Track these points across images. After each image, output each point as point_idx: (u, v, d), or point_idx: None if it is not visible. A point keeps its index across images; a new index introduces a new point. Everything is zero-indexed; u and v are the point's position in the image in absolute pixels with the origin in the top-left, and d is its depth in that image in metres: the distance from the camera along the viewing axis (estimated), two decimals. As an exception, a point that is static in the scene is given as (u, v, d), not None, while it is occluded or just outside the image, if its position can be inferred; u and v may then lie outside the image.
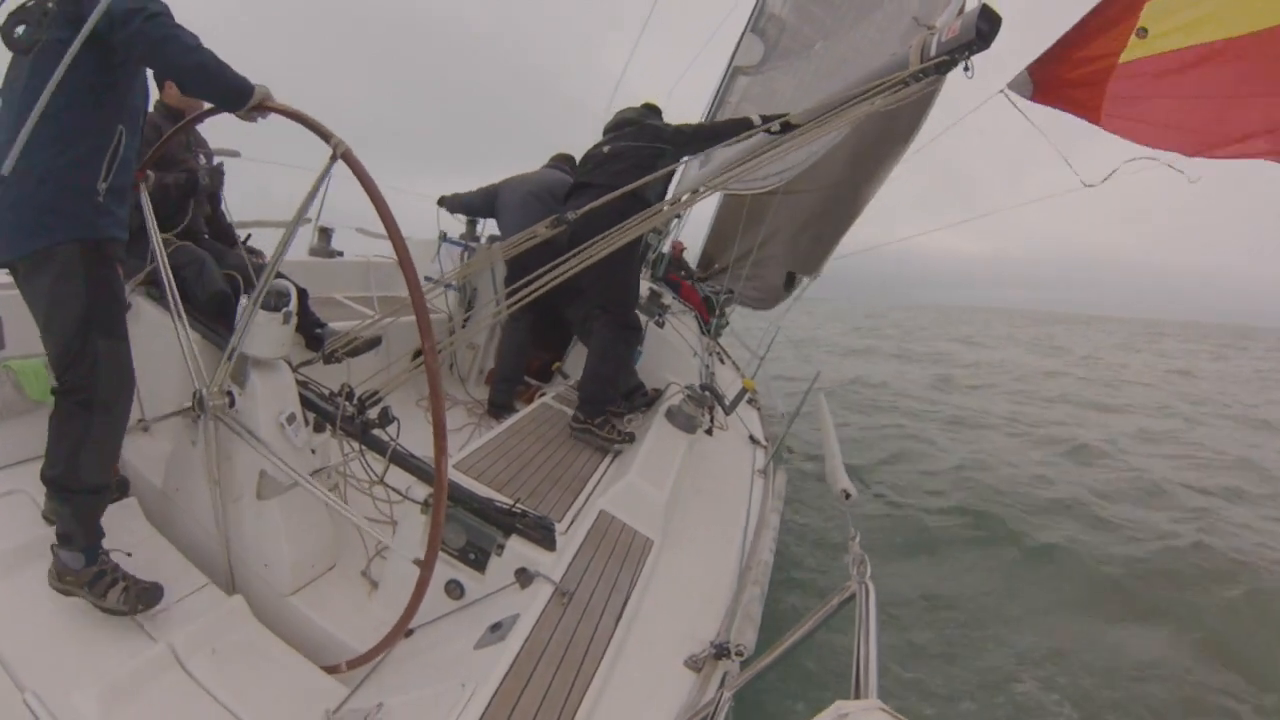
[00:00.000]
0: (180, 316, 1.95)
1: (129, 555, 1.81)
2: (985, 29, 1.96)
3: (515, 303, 2.38)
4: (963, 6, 2.40)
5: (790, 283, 5.94)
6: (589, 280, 2.83)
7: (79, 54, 1.45)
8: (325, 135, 1.62)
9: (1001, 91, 2.11)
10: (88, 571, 1.66)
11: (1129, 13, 1.76)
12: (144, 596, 1.70)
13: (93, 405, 1.63)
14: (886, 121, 3.22)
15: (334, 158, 1.62)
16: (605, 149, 3.19)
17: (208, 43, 1.58)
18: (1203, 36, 1.69)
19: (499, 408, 3.75)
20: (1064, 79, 1.99)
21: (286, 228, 1.87)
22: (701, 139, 3.21)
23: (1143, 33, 1.76)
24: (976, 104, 2.24)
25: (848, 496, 2.16)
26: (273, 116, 1.70)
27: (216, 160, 2.75)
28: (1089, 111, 1.95)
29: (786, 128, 2.81)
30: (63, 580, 1.66)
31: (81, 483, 1.65)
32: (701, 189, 3.16)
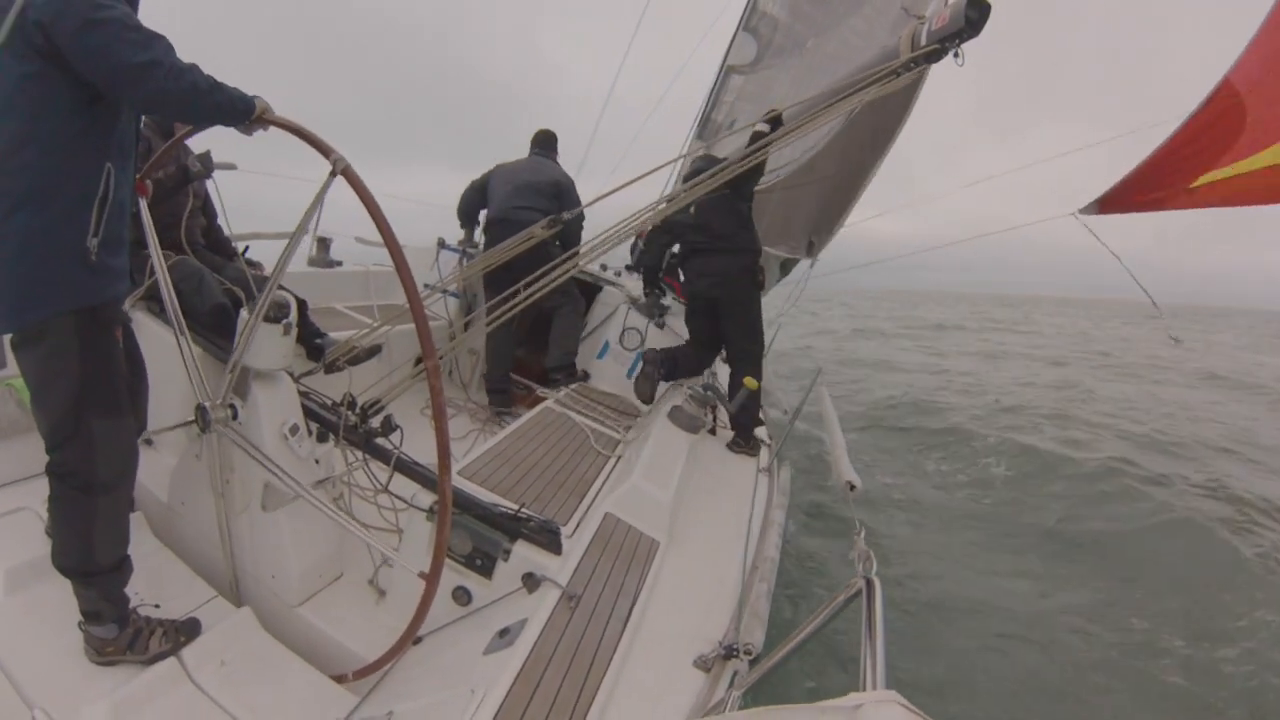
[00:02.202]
0: (183, 332, 1.95)
1: (157, 606, 1.77)
2: (974, 17, 1.97)
3: (505, 312, 2.44)
4: None
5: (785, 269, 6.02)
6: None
7: (54, 96, 1.30)
8: (325, 151, 1.57)
9: (1074, 215, 2.15)
10: (124, 636, 1.60)
11: (1208, 164, 1.85)
12: (183, 629, 1.69)
13: (94, 488, 1.51)
14: (878, 112, 3.24)
15: (333, 174, 1.59)
16: (691, 210, 3.56)
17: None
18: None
19: (497, 394, 3.86)
20: (1130, 202, 2.08)
21: (287, 244, 1.84)
22: (749, 170, 3.34)
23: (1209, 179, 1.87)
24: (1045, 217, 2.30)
25: (853, 488, 2.15)
26: (271, 128, 1.67)
27: (204, 148, 2.69)
28: (1152, 209, 2.06)
29: (778, 122, 2.85)
30: (103, 653, 1.58)
31: (100, 565, 1.57)
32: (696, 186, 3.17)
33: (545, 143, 4.19)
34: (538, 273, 2.48)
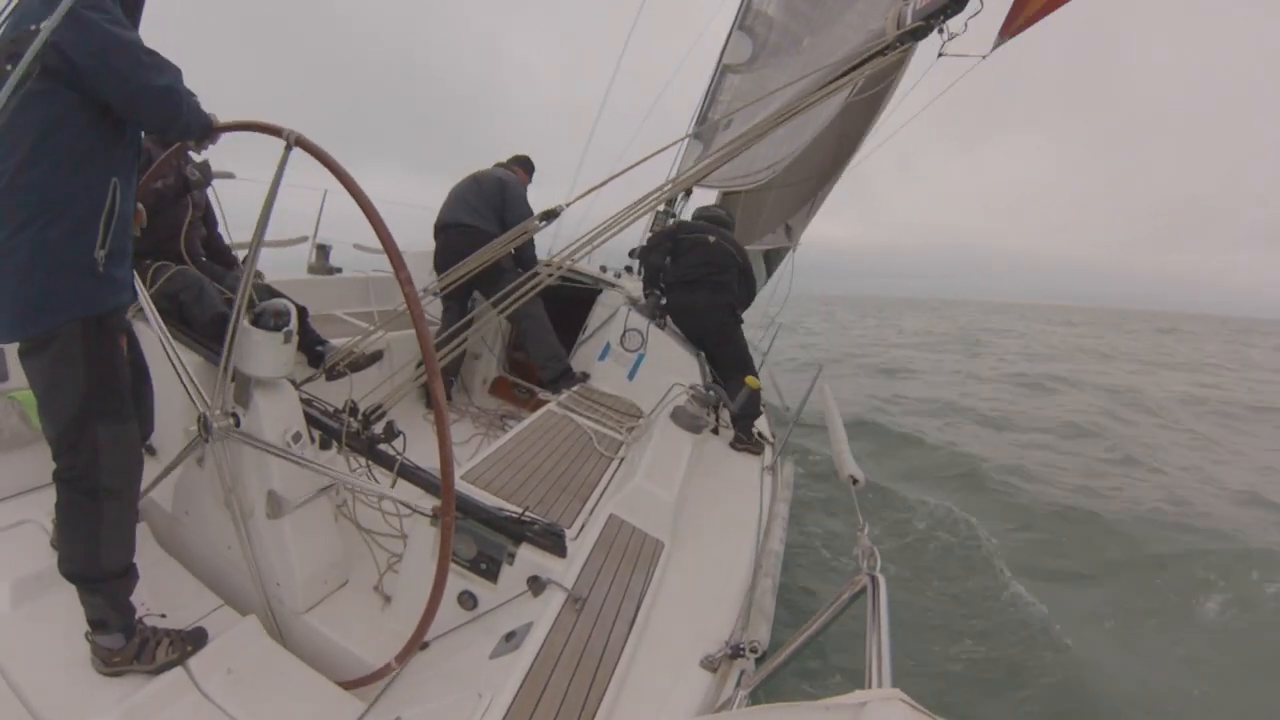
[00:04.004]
0: (171, 348, 1.94)
1: (163, 616, 1.76)
2: None
3: (509, 305, 2.53)
4: None
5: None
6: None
7: (64, 113, 1.34)
8: (275, 130, 1.60)
9: (984, 57, 2.24)
10: (131, 645, 1.60)
11: None
12: (190, 638, 1.69)
13: (99, 493, 1.53)
14: (863, 102, 3.26)
15: (289, 147, 1.60)
16: (710, 239, 3.93)
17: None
18: None
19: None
20: (1020, 20, 2.17)
21: (257, 224, 1.80)
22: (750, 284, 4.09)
23: None
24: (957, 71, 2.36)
25: (855, 483, 2.15)
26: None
27: (202, 158, 2.69)
28: (1040, 17, 2.16)
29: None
30: (110, 664, 1.58)
31: (106, 571, 1.57)
32: (694, 188, 3.18)
33: (515, 159, 4.24)
34: (509, 288, 2.53)
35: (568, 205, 2.87)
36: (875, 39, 2.35)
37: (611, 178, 2.73)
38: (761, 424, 3.97)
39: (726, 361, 3.89)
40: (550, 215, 2.83)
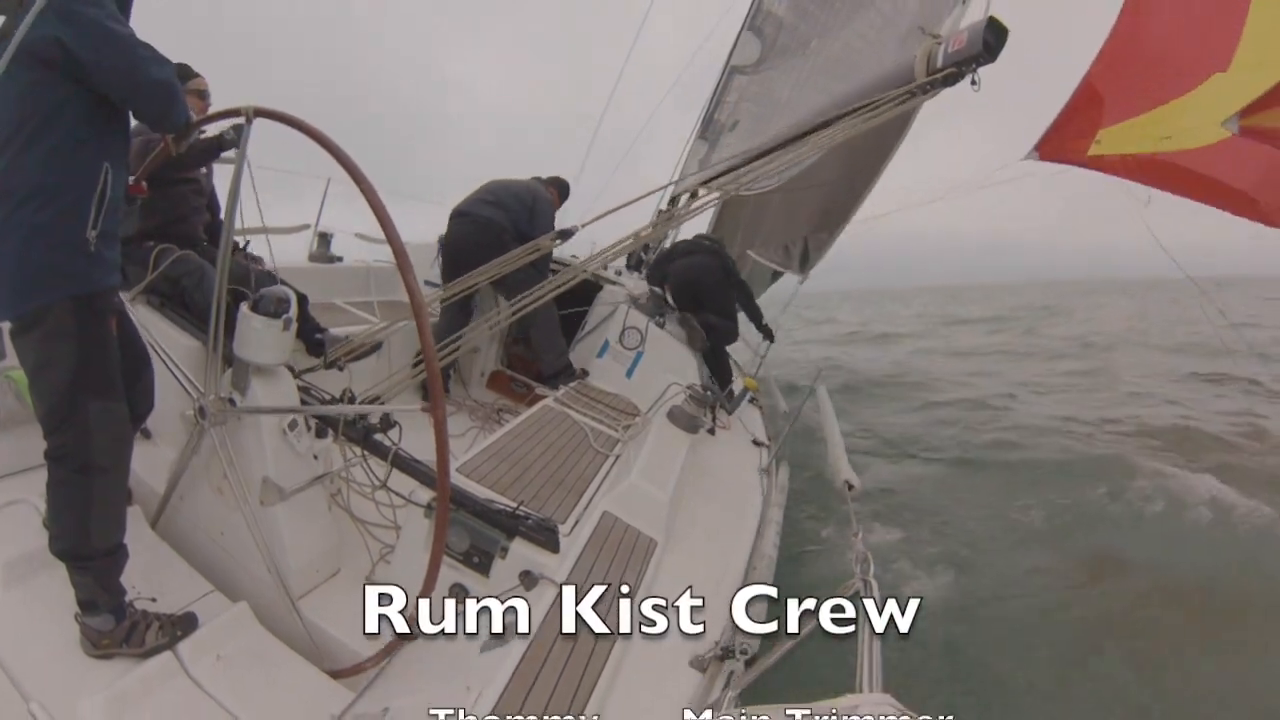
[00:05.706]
0: (155, 341, 1.94)
1: (154, 600, 1.76)
2: (992, 41, 1.97)
3: (528, 305, 2.60)
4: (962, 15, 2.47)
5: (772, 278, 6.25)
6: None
7: (63, 102, 1.41)
8: (234, 112, 1.67)
9: (1025, 159, 2.47)
10: (120, 629, 1.61)
11: (1088, 131, 2.35)
12: (180, 623, 1.69)
13: (90, 470, 1.55)
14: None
15: (249, 120, 1.64)
16: (706, 242, 4.83)
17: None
18: (1141, 148, 2.34)
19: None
20: (1056, 153, 2.45)
21: (229, 198, 1.82)
22: (746, 296, 4.78)
23: (1098, 142, 2.36)
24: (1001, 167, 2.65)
25: (851, 488, 2.16)
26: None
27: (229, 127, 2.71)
28: (1077, 163, 2.46)
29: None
30: (99, 646, 1.59)
31: (96, 548, 1.58)
32: (700, 194, 3.20)
33: (552, 180, 4.29)
34: (532, 290, 2.57)
35: (583, 226, 3.23)
36: (902, 75, 2.32)
37: (627, 204, 2.95)
38: (758, 427, 3.98)
39: (713, 312, 4.43)
40: (565, 235, 3.11)
